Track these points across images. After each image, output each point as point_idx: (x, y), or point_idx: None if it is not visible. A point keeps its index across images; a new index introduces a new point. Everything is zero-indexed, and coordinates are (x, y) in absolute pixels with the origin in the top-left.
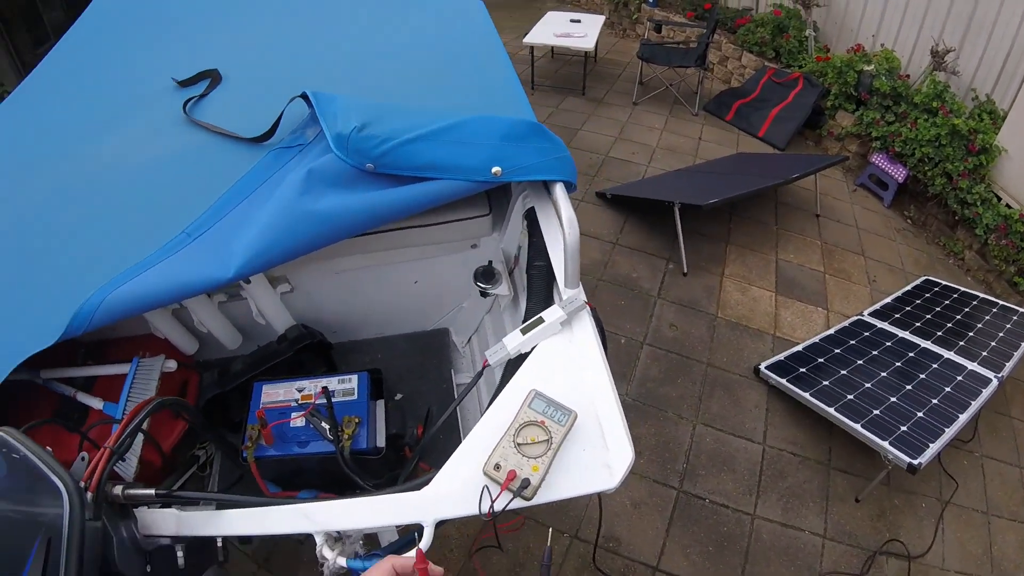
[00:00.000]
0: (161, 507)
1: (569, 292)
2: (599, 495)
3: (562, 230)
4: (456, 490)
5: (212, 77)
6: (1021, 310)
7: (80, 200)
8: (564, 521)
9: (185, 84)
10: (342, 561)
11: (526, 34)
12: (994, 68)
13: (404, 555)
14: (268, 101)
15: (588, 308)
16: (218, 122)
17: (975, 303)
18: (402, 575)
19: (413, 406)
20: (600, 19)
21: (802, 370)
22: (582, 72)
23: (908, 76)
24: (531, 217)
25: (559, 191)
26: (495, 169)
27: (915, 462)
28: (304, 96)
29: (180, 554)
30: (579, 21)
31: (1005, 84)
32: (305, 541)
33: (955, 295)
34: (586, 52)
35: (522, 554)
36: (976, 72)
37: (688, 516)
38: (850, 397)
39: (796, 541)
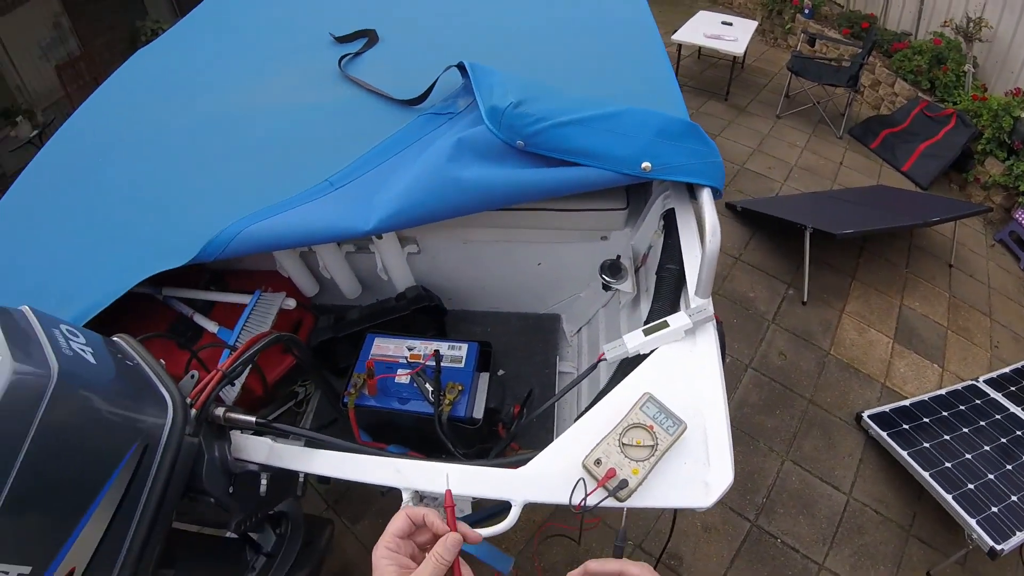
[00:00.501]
0: (255, 435)
1: (699, 301)
2: (676, 511)
3: (703, 237)
4: (551, 476)
5: (369, 37)
6: None
7: (230, 136)
8: (631, 529)
9: (343, 40)
10: None
11: (675, 31)
12: None
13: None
14: (422, 67)
15: (715, 321)
16: (371, 81)
17: None
18: (415, 522)
19: (513, 384)
20: (753, 24)
21: (905, 427)
22: (728, 77)
23: None
24: (668, 218)
25: (706, 196)
26: (645, 164)
27: (998, 547)
28: (460, 66)
29: (264, 482)
30: (731, 24)
31: None
32: (387, 494)
33: None
34: (735, 57)
35: (580, 551)
36: None
37: (756, 552)
38: (947, 465)
39: None
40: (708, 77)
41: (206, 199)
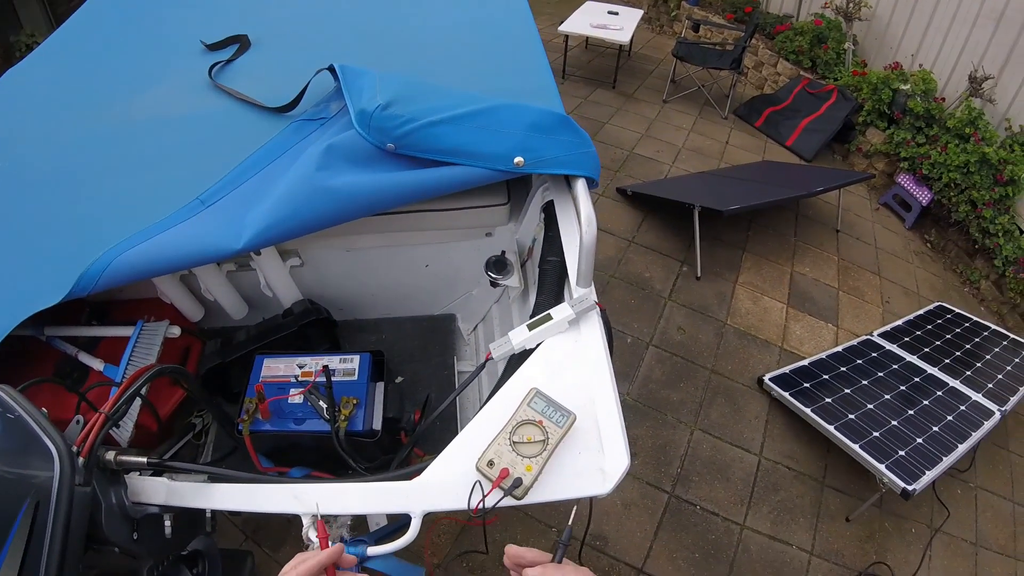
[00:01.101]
0: (152, 475)
1: (580, 291)
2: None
3: (580, 227)
4: (447, 483)
5: (241, 42)
6: None
7: (96, 158)
8: (552, 516)
9: (213, 48)
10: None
11: (562, 22)
12: None
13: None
14: (295, 71)
15: (598, 309)
16: (244, 89)
17: (986, 334)
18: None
19: (413, 390)
20: (638, 13)
21: (806, 385)
22: (615, 65)
23: (943, 99)
24: (549, 210)
25: (580, 187)
26: (518, 159)
27: (909, 488)
28: (331, 69)
29: (168, 523)
30: (616, 13)
31: None
32: (294, 520)
33: (966, 324)
34: (621, 45)
35: (489, 560)
36: (1012, 102)
37: (677, 521)
38: (851, 417)
39: (783, 555)
40: (595, 66)
41: (77, 228)
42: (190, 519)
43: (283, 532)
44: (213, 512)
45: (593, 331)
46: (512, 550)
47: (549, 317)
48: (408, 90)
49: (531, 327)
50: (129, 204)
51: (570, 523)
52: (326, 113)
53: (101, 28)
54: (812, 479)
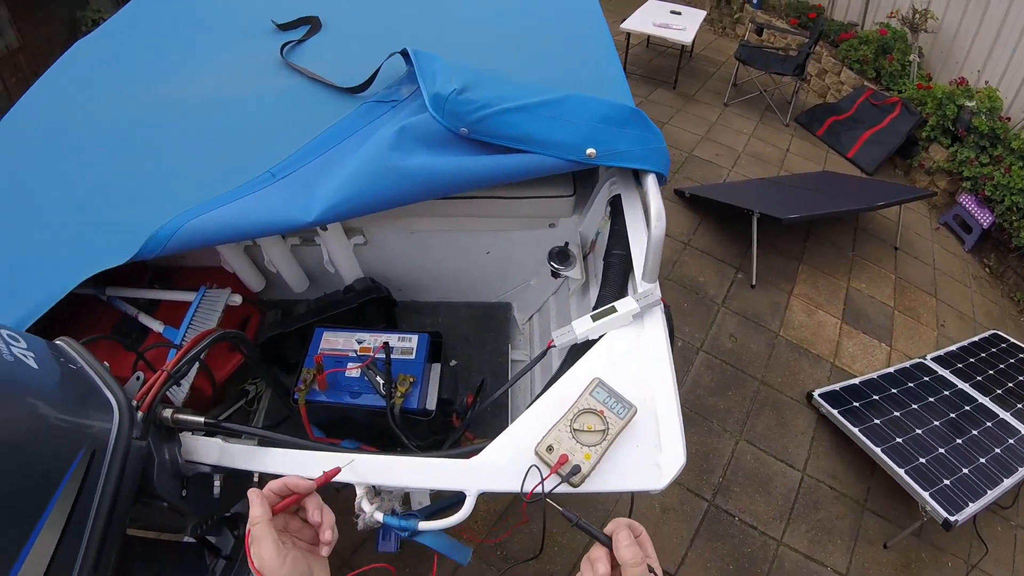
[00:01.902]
0: (206, 435)
1: (646, 286)
2: (633, 494)
3: (649, 222)
4: (504, 464)
5: (312, 24)
6: None
7: (170, 128)
8: (590, 513)
9: (285, 28)
10: (379, 516)
11: (624, 20)
12: None
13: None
14: (365, 54)
15: (663, 305)
16: (314, 69)
17: None
18: (278, 494)
19: (466, 374)
20: (701, 14)
21: (855, 404)
22: (676, 65)
23: (1009, 119)
24: (615, 204)
25: (651, 182)
26: (590, 151)
27: (952, 519)
28: (404, 53)
29: (217, 483)
30: (679, 13)
31: None
32: (342, 490)
33: (1021, 355)
34: (683, 45)
35: (545, 539)
36: None
37: (714, 530)
38: (898, 440)
39: (816, 575)
40: (656, 65)
41: (146, 194)
42: (237, 482)
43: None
44: (260, 476)
45: (657, 326)
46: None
47: (614, 309)
48: (481, 77)
49: (595, 318)
50: (200, 173)
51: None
52: (397, 96)
53: (168, 6)
54: (854, 501)
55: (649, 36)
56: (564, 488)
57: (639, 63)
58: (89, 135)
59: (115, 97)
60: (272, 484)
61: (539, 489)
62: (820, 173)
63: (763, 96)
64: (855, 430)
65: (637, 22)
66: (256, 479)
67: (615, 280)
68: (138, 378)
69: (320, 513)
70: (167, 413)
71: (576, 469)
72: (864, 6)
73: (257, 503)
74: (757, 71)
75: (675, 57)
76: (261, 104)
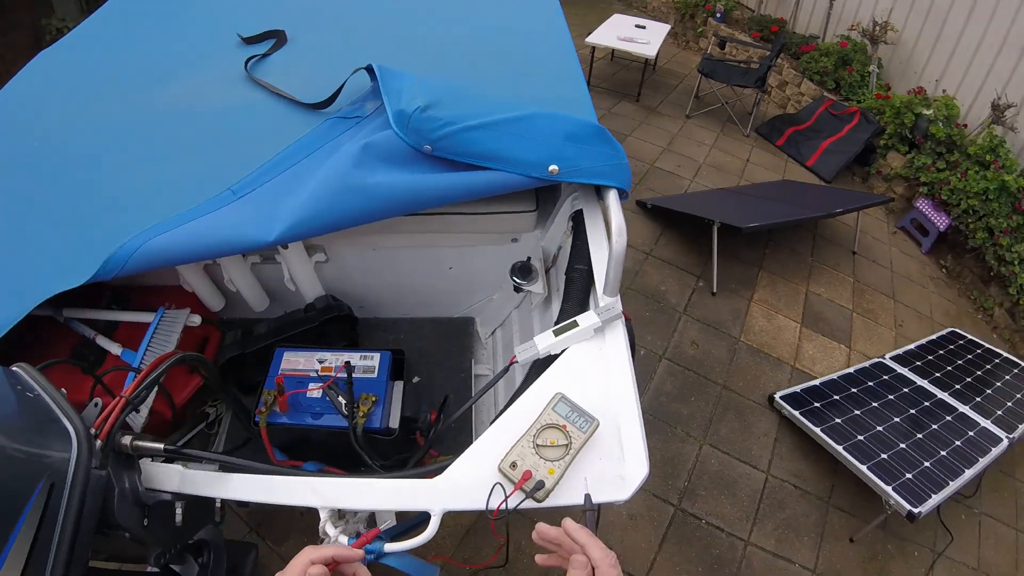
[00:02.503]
0: (166, 462)
1: (607, 300)
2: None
3: (610, 237)
4: (468, 482)
5: (277, 37)
6: None
7: (129, 144)
8: (557, 522)
9: (250, 41)
10: (344, 539)
11: (589, 34)
12: None
13: (321, 546)
14: (330, 69)
15: (624, 318)
16: (279, 84)
17: (997, 361)
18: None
19: (429, 390)
20: (665, 28)
21: (816, 405)
22: (640, 78)
23: (966, 126)
24: (577, 219)
25: (612, 198)
26: (552, 167)
27: (915, 511)
28: (369, 69)
29: (179, 511)
30: (644, 27)
31: None
32: (305, 513)
33: (979, 350)
34: (647, 59)
35: (512, 551)
36: None
37: (682, 534)
38: (860, 438)
39: (785, 573)
40: (620, 79)
41: (104, 212)
42: (200, 508)
43: (288, 526)
44: (222, 503)
45: (618, 340)
46: (542, 529)
47: (575, 324)
48: (446, 94)
49: (557, 332)
50: (160, 191)
51: (587, 491)
52: (361, 112)
53: (135, 17)
54: (818, 498)
55: (614, 50)
56: (529, 504)
57: (603, 76)
58: (46, 151)
59: (75, 112)
60: (317, 556)
61: (505, 506)
62: (780, 182)
63: (724, 108)
64: (817, 430)
65: (602, 36)
66: (218, 505)
67: (577, 294)
68: (96, 404)
69: None
70: (126, 440)
71: (540, 484)
72: (825, 19)
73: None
74: (719, 84)
75: (639, 70)
76: (224, 119)
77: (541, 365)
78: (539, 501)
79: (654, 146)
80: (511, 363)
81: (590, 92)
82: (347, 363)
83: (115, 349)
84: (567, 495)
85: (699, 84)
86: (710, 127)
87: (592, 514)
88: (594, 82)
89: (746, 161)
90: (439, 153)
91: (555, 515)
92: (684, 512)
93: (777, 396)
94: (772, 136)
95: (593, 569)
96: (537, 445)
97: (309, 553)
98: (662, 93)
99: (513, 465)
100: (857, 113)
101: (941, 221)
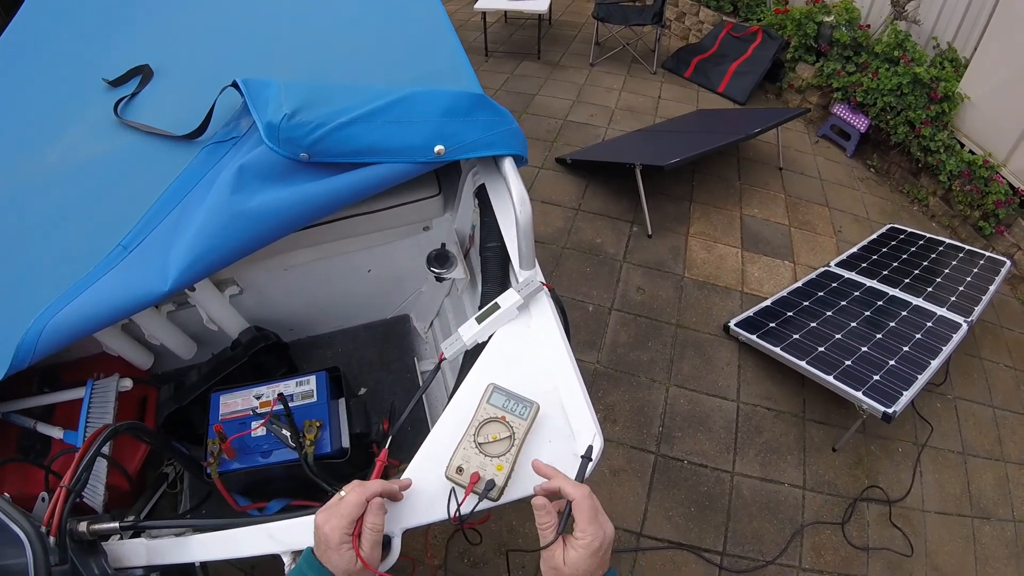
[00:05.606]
0: (133, 535)
1: (525, 274)
2: None
3: (514, 208)
4: (421, 496)
5: (143, 73)
6: (987, 254)
7: (10, 219)
8: (524, 504)
9: (116, 83)
10: None
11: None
12: (955, 16)
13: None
14: (203, 94)
15: (546, 289)
16: (152, 120)
17: (941, 249)
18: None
19: (379, 399)
20: None
21: (772, 325)
22: (536, 36)
23: (869, 26)
24: (481, 195)
25: (508, 166)
26: (438, 148)
27: (890, 411)
28: (235, 84)
29: None
30: None
31: (967, 32)
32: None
33: (921, 241)
34: (540, 15)
35: (506, 533)
36: (937, 21)
37: (668, 479)
38: (821, 349)
39: (777, 495)
40: (517, 39)
41: (2, 298)
42: (180, 572)
43: (279, 566)
44: (202, 564)
45: (544, 313)
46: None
47: (497, 306)
48: (315, 94)
49: (479, 319)
50: (54, 263)
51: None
52: (237, 132)
53: None
54: (793, 416)
55: (506, 12)
56: (487, 504)
57: (500, 40)
58: None
59: None
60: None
61: (459, 513)
62: (694, 113)
63: (627, 50)
64: (776, 349)
65: (491, 0)
66: (197, 564)
67: (495, 273)
68: (43, 499)
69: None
70: (82, 526)
71: (491, 484)
72: None
73: (381, 514)
74: (617, 26)
75: (535, 28)
76: (104, 171)
77: (472, 355)
78: (494, 501)
79: (564, 100)
80: (440, 360)
81: (489, 58)
82: (280, 394)
83: (56, 433)
84: (524, 487)
85: (597, 30)
86: (616, 71)
87: (585, 460)
88: (492, 47)
89: (658, 99)
90: (317, 159)
91: (524, 504)
92: (665, 457)
93: (731, 324)
94: (679, 69)
95: (570, 504)
96: (479, 444)
97: (360, 492)
98: (562, 46)
99: (459, 470)
100: (759, 32)
101: (860, 123)
